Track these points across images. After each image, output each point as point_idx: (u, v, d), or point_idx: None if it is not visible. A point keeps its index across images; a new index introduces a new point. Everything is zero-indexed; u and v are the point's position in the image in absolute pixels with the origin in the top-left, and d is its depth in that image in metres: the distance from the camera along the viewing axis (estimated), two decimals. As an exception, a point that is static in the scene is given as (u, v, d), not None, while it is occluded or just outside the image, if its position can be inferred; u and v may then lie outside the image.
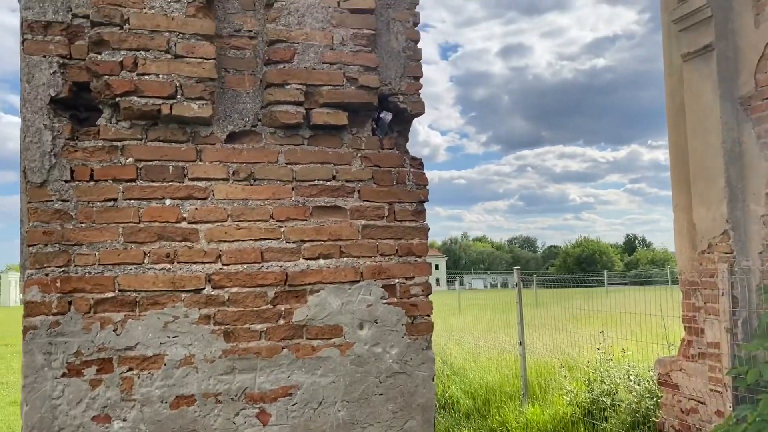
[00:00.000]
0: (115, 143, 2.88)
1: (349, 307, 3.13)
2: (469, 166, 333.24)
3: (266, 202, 3.05)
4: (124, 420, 2.78)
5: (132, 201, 2.88)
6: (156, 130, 2.93)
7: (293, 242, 3.07)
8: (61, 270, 2.77)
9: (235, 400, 2.93)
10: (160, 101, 2.85)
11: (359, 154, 3.22)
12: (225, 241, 2.98)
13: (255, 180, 3.05)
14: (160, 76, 2.86)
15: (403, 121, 3.44)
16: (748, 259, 4.91)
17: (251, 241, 3.01)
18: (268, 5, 3.10)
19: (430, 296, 3.30)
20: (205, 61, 2.92)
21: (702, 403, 5.19)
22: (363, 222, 3.19)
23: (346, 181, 3.18)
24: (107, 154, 2.87)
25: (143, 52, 2.84)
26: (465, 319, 17.09)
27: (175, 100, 2.88)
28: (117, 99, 2.82)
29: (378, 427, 3.11)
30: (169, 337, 2.88)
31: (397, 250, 3.24)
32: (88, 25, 2.87)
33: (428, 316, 3.28)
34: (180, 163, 2.95)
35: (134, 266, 2.86)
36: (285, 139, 3.11)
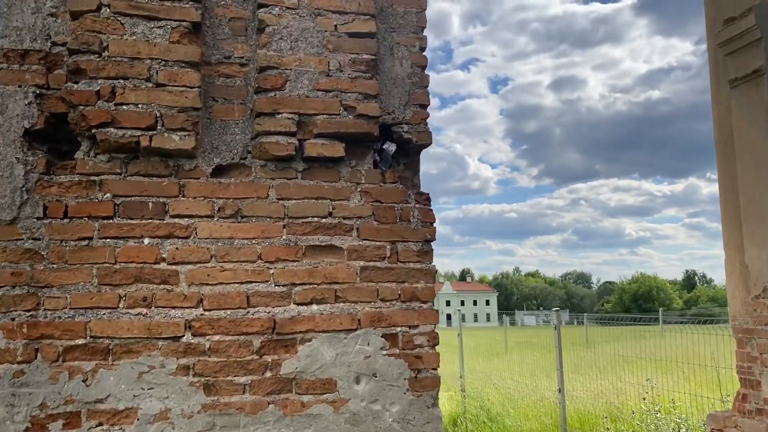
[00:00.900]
0: (92, 178, 2.69)
1: (344, 358, 2.82)
2: (521, 200, 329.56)
3: (254, 241, 2.80)
4: (90, 481, 2.52)
5: (108, 240, 2.66)
6: (136, 164, 2.72)
7: (283, 285, 2.80)
8: (29, 314, 2.57)
9: (213, 461, 2.63)
10: (138, 132, 2.65)
11: (358, 189, 2.95)
12: (207, 284, 2.72)
13: (242, 217, 2.80)
14: (140, 105, 2.66)
15: (410, 152, 3.15)
16: (810, 305, 4.39)
17: (236, 284, 2.75)
18: (259, 30, 2.88)
19: (436, 347, 2.97)
20: (188, 89, 2.72)
21: (761, 466, 4.64)
22: (362, 263, 2.90)
23: (344, 218, 2.91)
24: (84, 190, 2.67)
25: (122, 81, 2.65)
26: (510, 359, 16.51)
27: (155, 132, 2.67)
28: (93, 130, 2.63)
29: (375, 494, 2.77)
30: (143, 389, 2.62)
31: (399, 294, 2.92)
32: (67, 53, 2.71)
33: (434, 369, 2.93)
34: (161, 199, 2.73)
35: (108, 311, 2.63)
36: (276, 172, 2.86)
